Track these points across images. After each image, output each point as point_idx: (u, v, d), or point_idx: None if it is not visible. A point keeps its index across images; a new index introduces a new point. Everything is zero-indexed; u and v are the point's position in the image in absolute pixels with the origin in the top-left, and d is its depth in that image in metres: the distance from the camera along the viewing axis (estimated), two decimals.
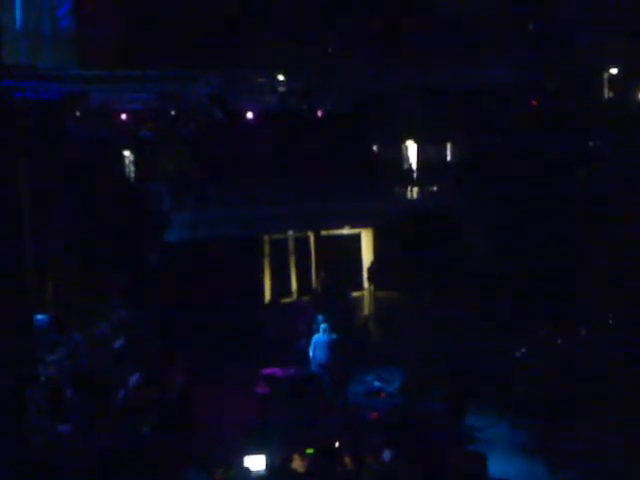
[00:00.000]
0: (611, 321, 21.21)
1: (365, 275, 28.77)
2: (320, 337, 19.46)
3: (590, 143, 28.21)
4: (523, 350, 19.14)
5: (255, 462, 13.06)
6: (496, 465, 14.13)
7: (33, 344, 16.89)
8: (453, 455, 14.44)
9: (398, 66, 25.33)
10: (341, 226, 28.32)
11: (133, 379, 16.13)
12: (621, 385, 16.77)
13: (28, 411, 14.27)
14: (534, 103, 27.91)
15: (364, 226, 28.78)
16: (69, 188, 20.79)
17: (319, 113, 27.23)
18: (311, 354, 19.44)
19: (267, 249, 27.21)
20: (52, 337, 17.78)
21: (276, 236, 27.49)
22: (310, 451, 13.38)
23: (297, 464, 13.08)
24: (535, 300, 22.05)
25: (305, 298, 26.29)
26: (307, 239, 28.09)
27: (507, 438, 16.68)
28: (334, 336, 19.54)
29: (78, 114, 22.51)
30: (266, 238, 27.16)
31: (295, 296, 27.10)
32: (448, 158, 29.97)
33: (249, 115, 25.93)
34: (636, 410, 15.94)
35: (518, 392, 17.73)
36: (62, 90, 22.26)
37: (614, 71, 28.82)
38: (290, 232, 27.78)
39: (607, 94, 29.15)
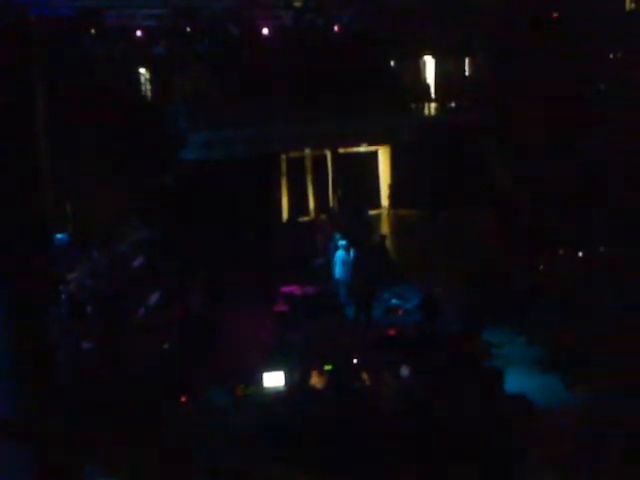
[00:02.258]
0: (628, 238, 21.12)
1: (382, 193, 28.68)
2: (339, 254, 19.55)
3: (611, 55, 27.80)
4: (541, 267, 19.15)
5: (274, 379, 13.24)
6: (512, 381, 14.25)
7: (53, 262, 17.00)
8: (470, 371, 14.58)
9: None
10: (358, 144, 28.09)
11: (153, 297, 16.28)
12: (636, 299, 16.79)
13: (52, 328, 14.44)
14: (554, 16, 27.42)
15: (381, 143, 28.54)
16: (85, 106, 20.67)
17: (335, 28, 26.82)
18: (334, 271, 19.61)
19: (284, 168, 27.09)
20: (72, 255, 17.91)
21: (293, 154, 27.33)
22: (328, 367, 13.56)
23: (315, 380, 13.27)
24: (552, 219, 21.99)
25: (322, 216, 26.26)
26: (324, 157, 27.92)
27: (524, 354, 16.78)
28: (352, 253, 19.61)
29: (93, 31, 22.31)
30: (283, 157, 27.01)
31: (313, 214, 27.08)
32: (466, 73, 29.54)
33: (265, 31, 25.61)
34: None
35: (535, 308, 17.76)
36: (77, 7, 22.02)
37: None
38: (307, 150, 27.60)
39: (629, 6, 28.60)
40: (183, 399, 12.74)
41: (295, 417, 12.56)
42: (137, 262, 18.19)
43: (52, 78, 18.90)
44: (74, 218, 20.28)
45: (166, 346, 14.58)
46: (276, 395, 13.11)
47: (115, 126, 21.17)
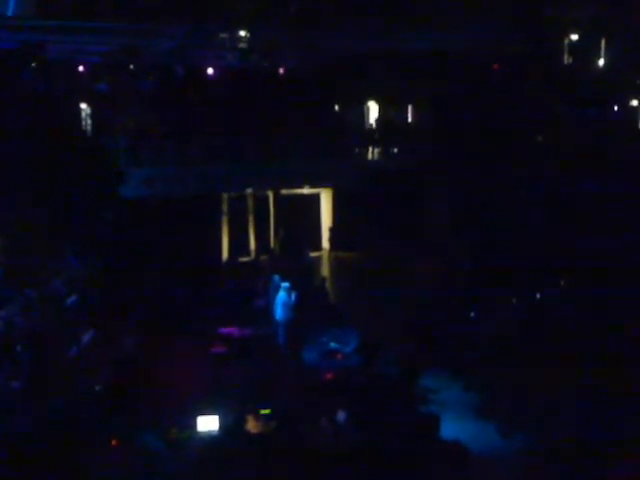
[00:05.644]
0: (562, 284, 21.44)
1: (324, 235, 28.73)
2: (279, 296, 19.42)
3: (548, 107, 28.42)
4: (477, 312, 19.30)
5: (208, 422, 13.00)
6: (448, 427, 14.22)
7: None
8: (406, 417, 14.51)
9: (362, 28, 25.17)
10: (301, 185, 28.17)
11: (86, 336, 15.92)
12: (572, 347, 16.97)
13: None
14: (495, 67, 27.99)
15: (324, 186, 28.69)
16: (23, 141, 20.33)
17: (280, 71, 26.96)
18: (275, 313, 19.46)
19: (225, 207, 27.00)
20: (3, 292, 17.49)
21: (235, 194, 27.26)
22: (264, 412, 13.37)
23: (251, 425, 13.07)
24: (489, 263, 22.23)
25: (263, 257, 26.16)
26: (266, 198, 27.91)
27: (460, 400, 16.77)
28: (293, 295, 19.50)
29: (34, 65, 22.04)
30: (224, 196, 26.93)
31: (253, 255, 26.97)
32: (409, 120, 29.95)
33: (210, 71, 25.61)
34: (587, 372, 16.15)
35: (472, 354, 17.83)
36: (19, 39, 21.77)
37: (574, 37, 29.02)
38: (249, 190, 27.56)
39: (567, 60, 29.36)
40: (114, 442, 12.40)
41: (229, 462, 12.31)
42: (70, 300, 17.80)
43: None
44: (7, 253, 19.85)
45: (97, 387, 14.23)
46: (210, 439, 12.85)
47: (53, 160, 20.84)
